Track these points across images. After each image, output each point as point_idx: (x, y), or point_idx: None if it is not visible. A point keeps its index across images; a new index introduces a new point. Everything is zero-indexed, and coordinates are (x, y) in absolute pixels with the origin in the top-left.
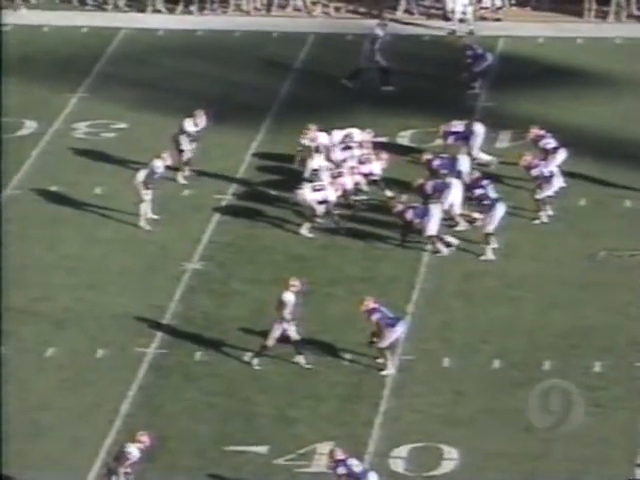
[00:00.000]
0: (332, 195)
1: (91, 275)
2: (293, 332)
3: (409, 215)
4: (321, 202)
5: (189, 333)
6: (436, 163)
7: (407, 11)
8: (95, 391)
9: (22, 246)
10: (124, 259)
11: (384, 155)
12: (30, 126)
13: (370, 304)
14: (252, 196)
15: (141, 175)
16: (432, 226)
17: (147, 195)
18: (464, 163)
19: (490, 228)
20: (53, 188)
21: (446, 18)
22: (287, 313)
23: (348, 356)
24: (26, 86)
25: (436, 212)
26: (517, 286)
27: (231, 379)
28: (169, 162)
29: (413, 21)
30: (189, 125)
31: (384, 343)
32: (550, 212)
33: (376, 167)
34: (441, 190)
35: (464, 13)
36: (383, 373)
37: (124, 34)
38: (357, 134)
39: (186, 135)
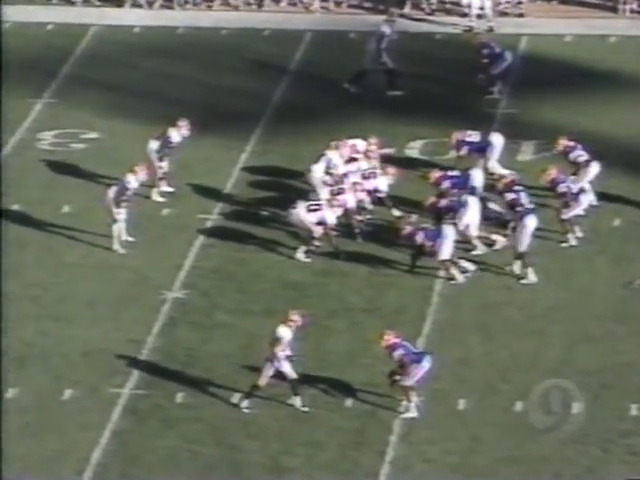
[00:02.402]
0: (331, 216)
1: (58, 305)
2: (288, 369)
3: (419, 237)
4: (319, 223)
5: (169, 371)
6: (446, 184)
7: (416, 6)
8: (62, 438)
9: None
10: (95, 287)
11: (391, 169)
12: None
13: (391, 339)
14: (241, 216)
15: (112, 192)
16: (445, 249)
17: (120, 214)
18: (478, 178)
19: (523, 246)
20: (15, 207)
21: (462, 14)
22: (281, 350)
23: (350, 397)
24: None
25: (450, 234)
26: (542, 318)
27: (217, 424)
28: (143, 177)
29: (424, 17)
30: (175, 136)
31: (409, 381)
32: (579, 234)
33: (382, 183)
34: (455, 209)
35: (482, 8)
36: (405, 416)
37: (95, 31)
38: (361, 144)
39: (168, 147)
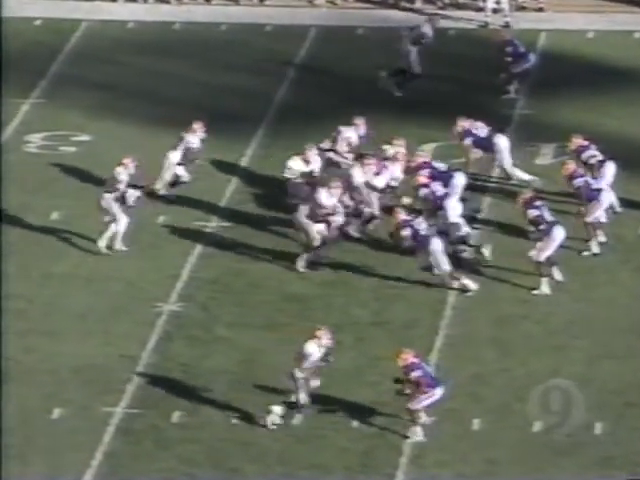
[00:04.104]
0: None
1: (45, 319)
2: (304, 393)
3: (406, 233)
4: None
5: (165, 389)
6: (426, 172)
7: (428, 0)
8: (51, 460)
9: None
10: (86, 299)
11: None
12: None
13: (410, 358)
14: (240, 224)
15: (108, 194)
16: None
17: (122, 217)
18: (460, 180)
19: (543, 256)
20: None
21: (477, 8)
22: (304, 368)
23: (357, 417)
24: None
25: (437, 247)
26: (561, 332)
27: (215, 445)
28: (132, 170)
29: (436, 12)
30: (194, 141)
31: (418, 405)
32: (602, 239)
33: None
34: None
35: (498, 2)
36: (413, 439)
37: (86, 27)
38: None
39: (190, 154)
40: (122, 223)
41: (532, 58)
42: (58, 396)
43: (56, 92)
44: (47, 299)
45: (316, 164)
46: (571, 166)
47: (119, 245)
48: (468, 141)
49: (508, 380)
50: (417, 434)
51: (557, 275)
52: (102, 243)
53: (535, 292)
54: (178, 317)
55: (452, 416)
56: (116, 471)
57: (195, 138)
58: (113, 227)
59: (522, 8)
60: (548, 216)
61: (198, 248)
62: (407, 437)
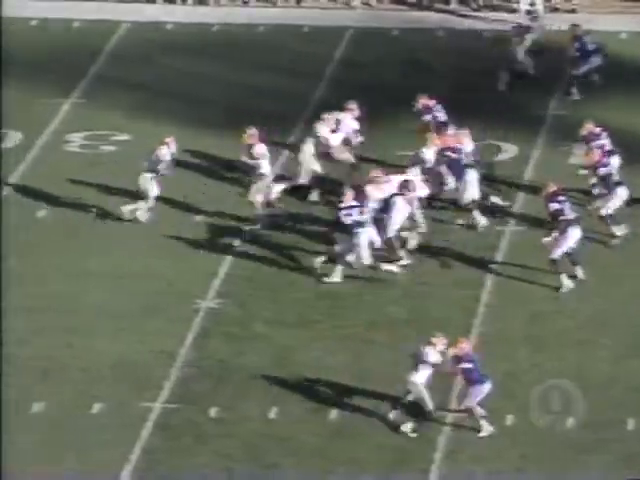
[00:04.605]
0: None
1: (84, 317)
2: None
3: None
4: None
5: (202, 385)
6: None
7: (463, 2)
8: (90, 455)
9: None
10: (123, 296)
11: None
12: (14, 137)
13: (467, 349)
14: (277, 222)
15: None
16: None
17: (152, 190)
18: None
19: (557, 253)
20: (41, 212)
21: (510, 10)
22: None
23: (393, 413)
24: (7, 90)
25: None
26: (592, 329)
27: (252, 440)
28: (174, 149)
29: (471, 14)
30: (261, 147)
31: (470, 402)
32: (622, 232)
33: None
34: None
35: (532, 4)
36: (485, 434)
37: (126, 29)
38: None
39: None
40: (151, 201)
41: (598, 59)
42: (97, 392)
43: (96, 92)
44: (85, 297)
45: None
46: (597, 154)
47: (138, 214)
48: (428, 117)
49: (540, 377)
50: (485, 429)
51: (580, 274)
52: (127, 208)
53: (562, 290)
54: (215, 314)
55: (486, 412)
56: (154, 466)
57: (260, 146)
58: (142, 203)
59: (555, 10)
60: (569, 212)
61: (235, 246)
62: (447, 429)
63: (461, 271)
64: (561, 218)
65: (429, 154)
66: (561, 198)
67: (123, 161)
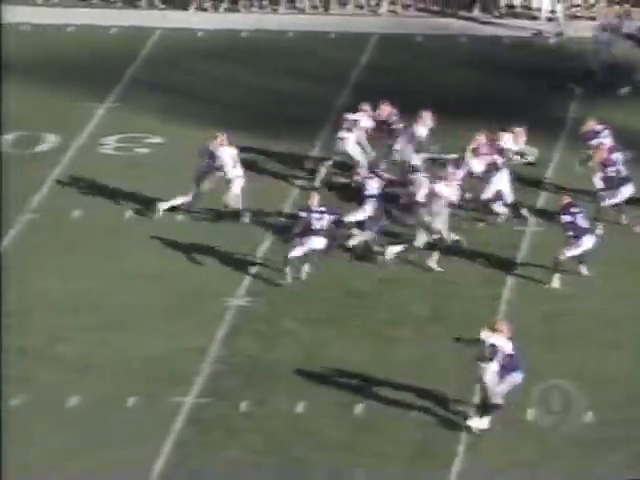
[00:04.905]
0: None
1: (118, 314)
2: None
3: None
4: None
5: (232, 380)
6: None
7: (485, 9)
8: (123, 448)
9: (36, 278)
10: (156, 295)
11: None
12: (51, 140)
13: (507, 333)
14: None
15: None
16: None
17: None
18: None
19: (566, 255)
20: (76, 212)
21: (531, 17)
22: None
23: (416, 408)
24: (44, 94)
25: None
26: (611, 328)
27: (281, 435)
28: (225, 143)
29: (492, 20)
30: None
31: (502, 388)
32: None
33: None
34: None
35: (553, 11)
36: (472, 425)
37: (159, 35)
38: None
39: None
40: (191, 195)
41: None
42: (130, 387)
43: (130, 96)
44: (119, 296)
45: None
46: (603, 153)
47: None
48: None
49: (559, 373)
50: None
51: (584, 271)
52: (164, 206)
53: (549, 285)
54: (245, 312)
55: (506, 408)
56: (185, 460)
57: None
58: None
59: (575, 17)
60: (583, 223)
61: (265, 244)
62: (468, 424)
63: (484, 270)
64: (571, 233)
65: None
66: (574, 210)
67: (157, 163)
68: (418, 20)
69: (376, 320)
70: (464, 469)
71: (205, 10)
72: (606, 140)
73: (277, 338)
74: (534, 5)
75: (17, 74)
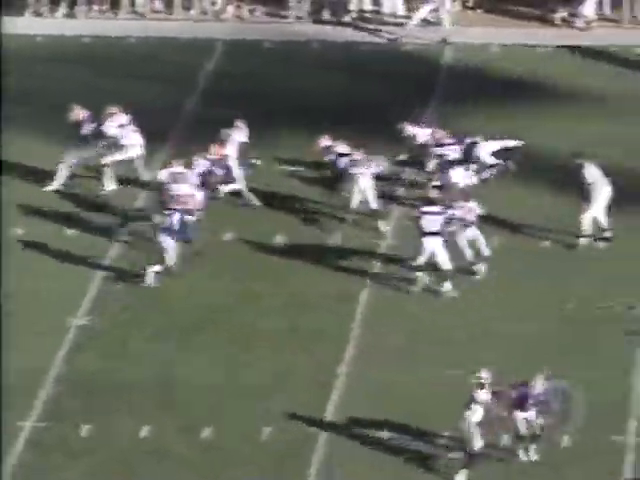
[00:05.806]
0: None
1: None
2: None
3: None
4: None
5: (74, 401)
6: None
7: (334, 14)
8: None
9: None
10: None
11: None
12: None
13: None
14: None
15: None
16: None
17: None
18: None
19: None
20: None
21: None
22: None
23: (269, 427)
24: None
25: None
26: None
27: (123, 457)
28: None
29: (345, 26)
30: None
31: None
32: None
33: None
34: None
35: (407, 17)
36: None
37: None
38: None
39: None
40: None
41: None
42: None
43: None
44: None
45: None
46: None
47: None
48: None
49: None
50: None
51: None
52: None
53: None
54: (88, 329)
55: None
56: None
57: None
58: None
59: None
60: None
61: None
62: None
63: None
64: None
65: None
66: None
67: None
68: (267, 26)
69: (225, 337)
70: None
71: (41, 15)
72: (446, 153)
73: (122, 357)
74: (385, 10)
75: None
